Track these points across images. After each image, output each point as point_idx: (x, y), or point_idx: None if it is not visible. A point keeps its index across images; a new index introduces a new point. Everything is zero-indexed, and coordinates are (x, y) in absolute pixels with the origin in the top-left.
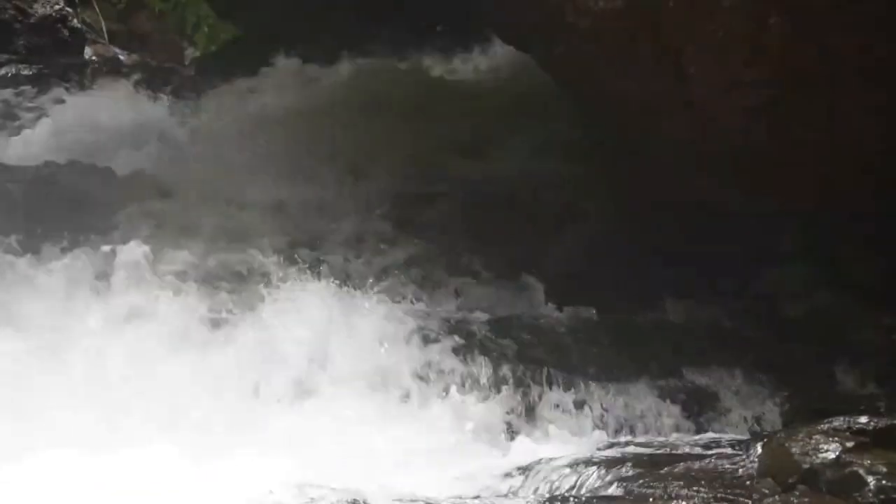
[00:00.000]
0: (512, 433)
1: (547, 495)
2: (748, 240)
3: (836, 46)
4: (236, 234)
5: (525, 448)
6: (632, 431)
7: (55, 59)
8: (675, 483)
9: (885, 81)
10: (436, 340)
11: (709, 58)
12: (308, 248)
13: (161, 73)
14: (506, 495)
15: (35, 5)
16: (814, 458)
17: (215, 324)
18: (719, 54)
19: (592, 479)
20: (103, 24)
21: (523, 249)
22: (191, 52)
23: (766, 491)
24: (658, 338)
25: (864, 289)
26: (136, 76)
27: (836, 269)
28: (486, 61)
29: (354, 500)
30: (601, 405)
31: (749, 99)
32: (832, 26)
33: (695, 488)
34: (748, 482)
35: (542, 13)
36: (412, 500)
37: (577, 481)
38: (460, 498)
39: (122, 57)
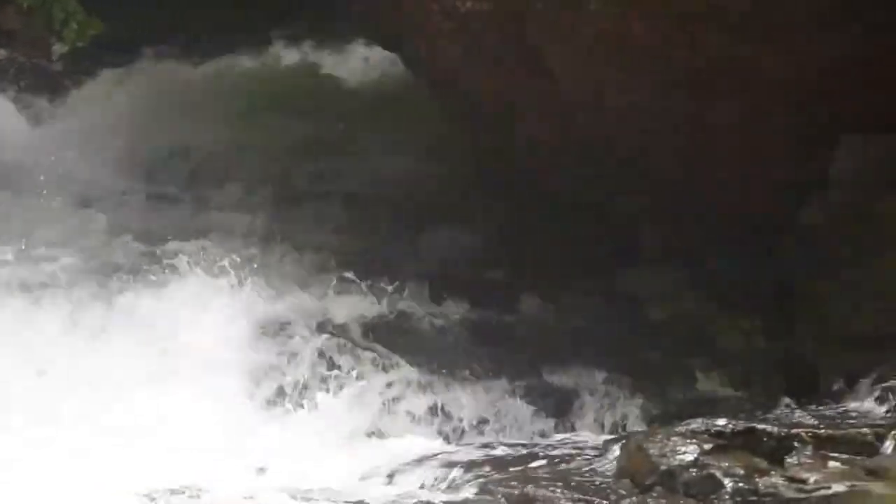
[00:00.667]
0: (374, 434)
1: (407, 496)
2: (613, 241)
3: (701, 49)
4: (88, 227)
5: (386, 449)
6: (492, 431)
7: None
8: (533, 483)
9: (757, 84)
10: (300, 338)
11: (575, 60)
12: (164, 244)
13: (28, 68)
14: (367, 497)
15: None
16: (671, 459)
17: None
18: (585, 56)
19: (451, 479)
20: None
21: (390, 248)
22: (59, 48)
23: (624, 492)
24: (520, 337)
25: (726, 293)
26: (2, 72)
27: (699, 273)
28: (355, 60)
29: None
30: (463, 404)
31: (614, 100)
32: (701, 31)
33: (552, 489)
34: (606, 483)
35: (410, 13)
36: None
37: (437, 481)
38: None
39: None
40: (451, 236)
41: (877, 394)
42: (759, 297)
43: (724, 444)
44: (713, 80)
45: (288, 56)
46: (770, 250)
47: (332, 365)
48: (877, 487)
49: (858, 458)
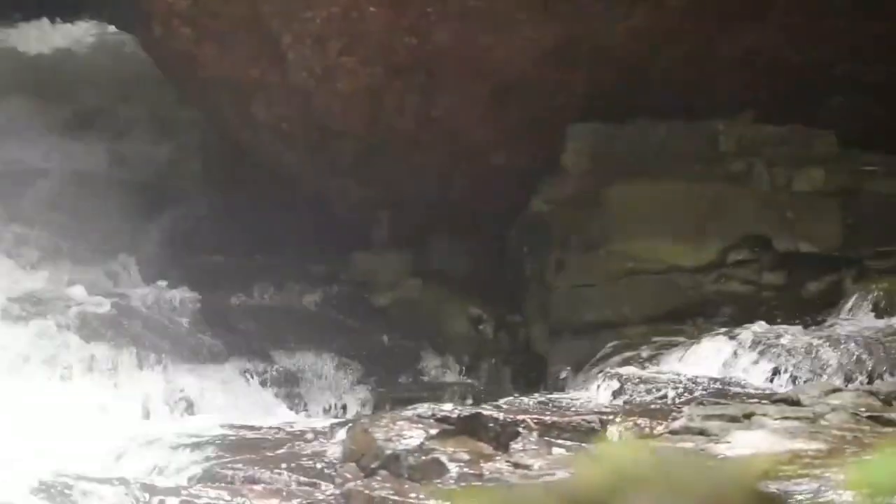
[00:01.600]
0: (99, 414)
1: (131, 477)
2: (342, 226)
3: (434, 38)
4: None
5: (113, 430)
6: (221, 414)
7: None
8: (258, 466)
9: (486, 73)
10: (13, 319)
11: (307, 45)
12: None
13: None
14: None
15: None
16: (397, 444)
17: None
18: (317, 42)
19: (178, 461)
20: None
21: (121, 228)
22: None
23: (349, 475)
24: (250, 320)
25: (456, 280)
26: None
27: (429, 260)
28: (89, 39)
29: None
30: (191, 386)
31: (345, 85)
32: (431, 19)
33: (277, 471)
34: (332, 467)
35: None
36: None
37: (162, 463)
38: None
39: None
40: (184, 218)
41: (602, 381)
42: (489, 285)
43: (449, 429)
44: (444, 67)
45: (17, 34)
46: (500, 238)
47: (52, 346)
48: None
49: (583, 444)
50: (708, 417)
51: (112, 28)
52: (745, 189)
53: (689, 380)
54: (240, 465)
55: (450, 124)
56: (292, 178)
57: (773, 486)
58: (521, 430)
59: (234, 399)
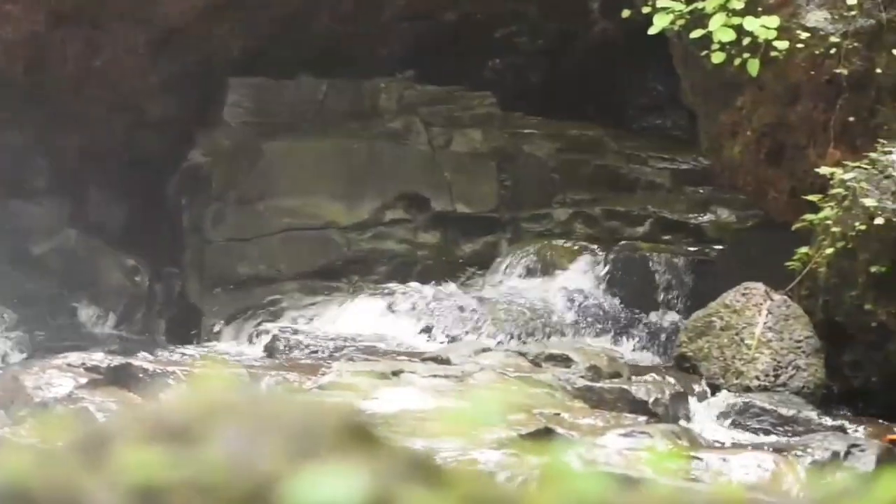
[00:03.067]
0: None
1: None
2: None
3: None
4: None
5: None
6: None
7: None
8: None
9: (149, 23)
10: None
11: None
12: None
13: None
14: None
15: None
16: (46, 392)
17: None
18: None
19: None
20: None
21: None
22: None
23: None
24: None
25: (111, 230)
26: None
27: (84, 209)
28: None
29: None
30: None
31: (8, 33)
32: None
33: None
34: None
35: None
36: None
37: None
38: None
39: None
40: None
41: (255, 336)
42: (146, 236)
43: (99, 378)
44: (107, 16)
45: None
46: (159, 190)
47: None
48: None
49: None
50: (357, 374)
51: None
52: (403, 148)
53: (341, 336)
54: None
55: (111, 74)
56: None
57: (418, 444)
58: (171, 381)
59: None
